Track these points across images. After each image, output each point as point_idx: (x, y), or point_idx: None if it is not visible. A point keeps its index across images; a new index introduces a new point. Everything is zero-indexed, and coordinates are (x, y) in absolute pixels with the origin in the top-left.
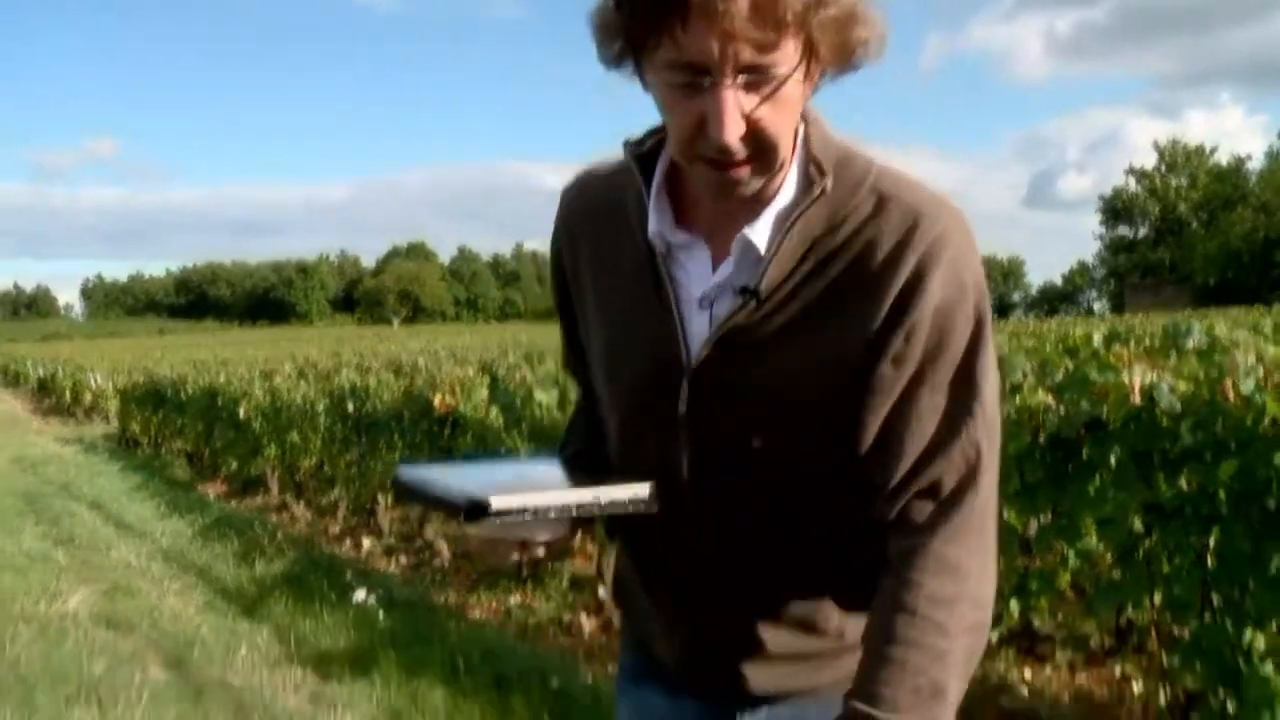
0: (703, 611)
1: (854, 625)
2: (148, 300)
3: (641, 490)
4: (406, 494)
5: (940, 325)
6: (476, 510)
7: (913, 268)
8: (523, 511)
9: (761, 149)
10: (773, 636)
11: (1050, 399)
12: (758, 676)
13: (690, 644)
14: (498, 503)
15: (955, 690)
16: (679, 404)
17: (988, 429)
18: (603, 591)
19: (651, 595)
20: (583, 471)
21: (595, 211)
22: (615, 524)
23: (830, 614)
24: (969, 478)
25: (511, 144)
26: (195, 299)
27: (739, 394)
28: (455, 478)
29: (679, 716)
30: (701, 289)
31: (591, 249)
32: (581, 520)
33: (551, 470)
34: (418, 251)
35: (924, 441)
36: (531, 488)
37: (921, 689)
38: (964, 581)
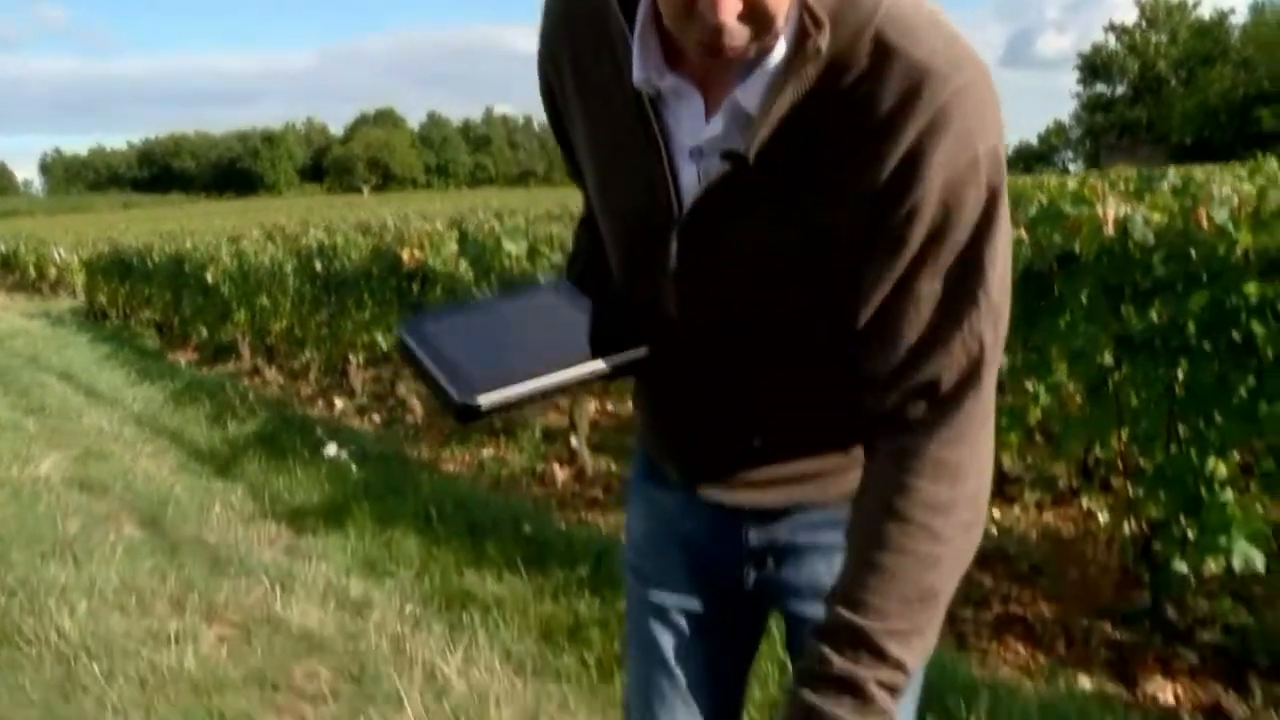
0: (702, 443)
1: (859, 446)
2: (110, 174)
3: (636, 354)
4: (408, 358)
5: (945, 203)
6: (468, 414)
7: (913, 139)
8: (514, 402)
9: (758, 23)
10: (773, 466)
11: (1023, 232)
12: (761, 498)
13: (692, 470)
14: (488, 402)
15: (948, 591)
16: (669, 257)
17: (993, 319)
18: (575, 441)
19: (656, 420)
20: (591, 294)
21: (579, 34)
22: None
23: (832, 440)
24: (970, 374)
25: (483, 7)
26: (159, 172)
27: (727, 254)
28: (455, 349)
29: (689, 515)
30: (694, 138)
31: (576, 74)
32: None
33: (557, 317)
34: (386, 118)
35: (922, 331)
36: (529, 359)
37: (910, 597)
38: (963, 484)
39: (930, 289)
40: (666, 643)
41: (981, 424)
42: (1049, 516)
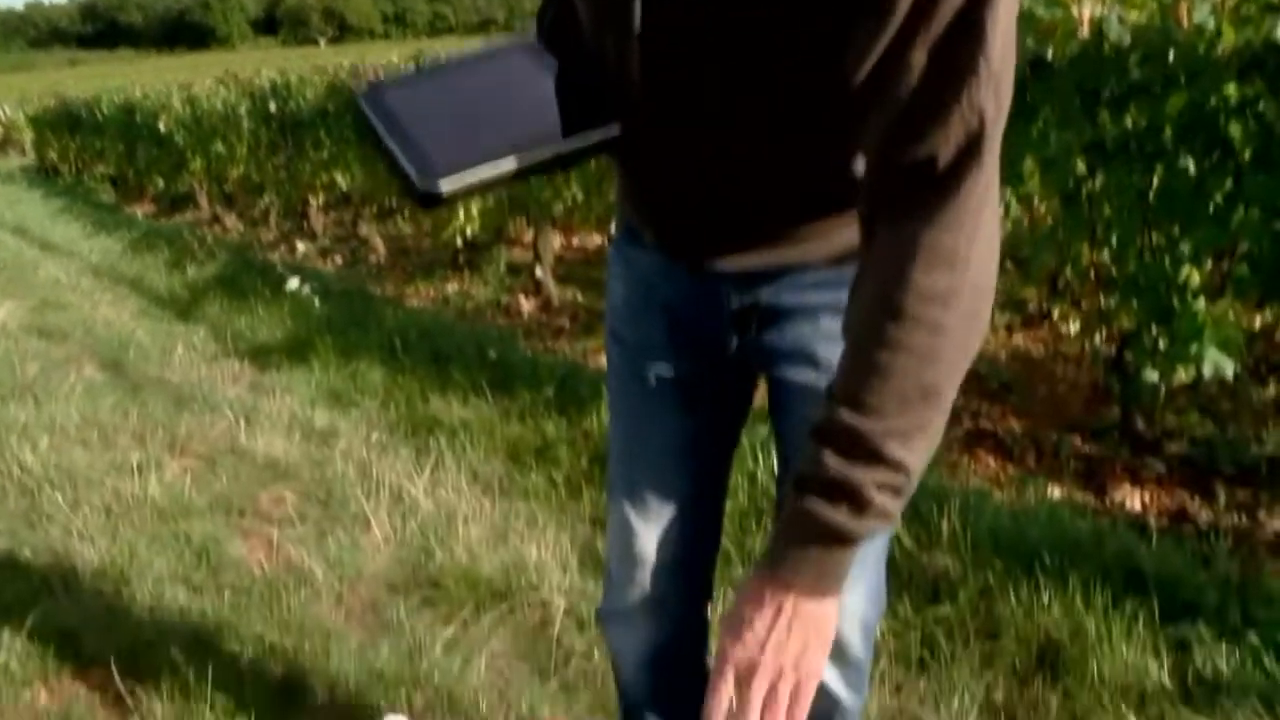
0: (677, 210)
1: (843, 208)
2: (51, 30)
3: (606, 132)
4: (366, 132)
5: None
6: (429, 200)
7: None
8: (478, 186)
9: None
10: (752, 232)
11: None
12: (741, 262)
13: (669, 236)
14: (449, 187)
15: (951, 387)
16: (633, 17)
17: (995, 89)
18: (539, 272)
19: (631, 184)
20: (562, 52)
21: None
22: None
23: (814, 205)
24: (970, 151)
25: None
26: (104, 27)
27: (692, 12)
28: (416, 123)
29: (669, 278)
30: None
31: None
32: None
33: (526, 84)
34: None
35: (915, 103)
36: (495, 135)
37: (909, 394)
38: (963, 273)
39: (923, 55)
40: (648, 410)
41: (983, 207)
42: (1019, 339)
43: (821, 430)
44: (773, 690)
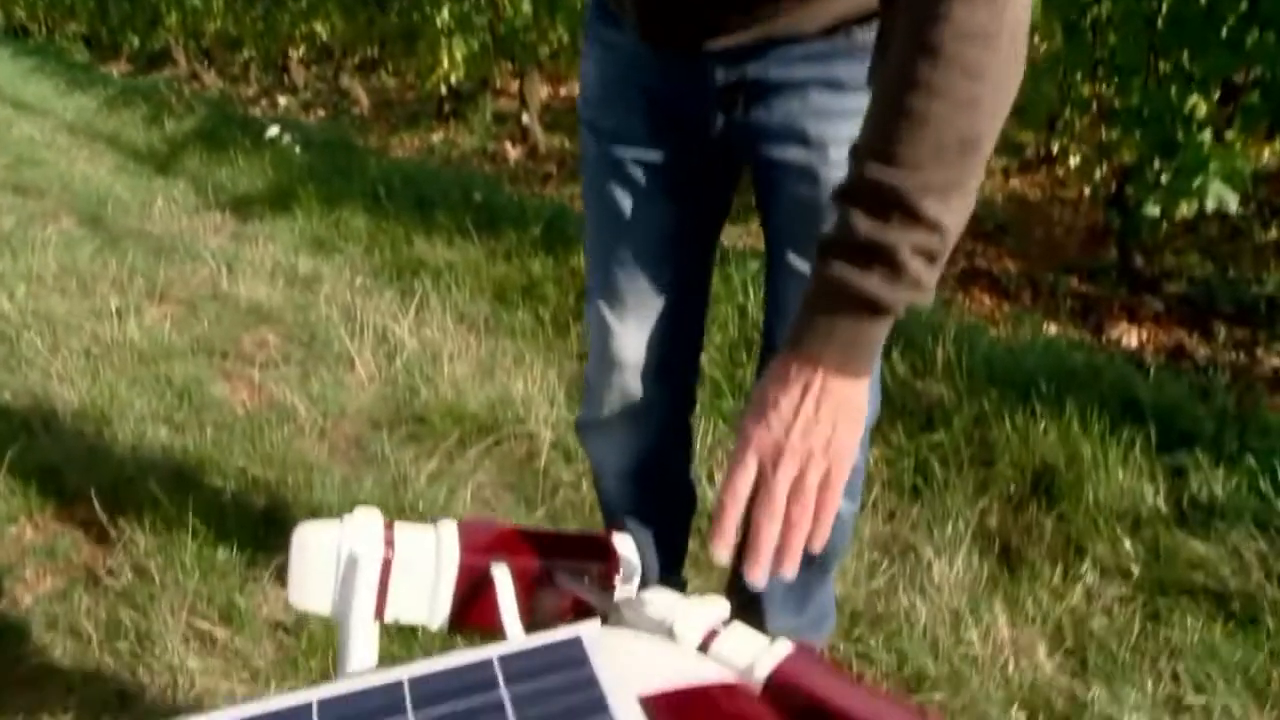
0: None
1: None
2: None
3: None
4: None
5: None
6: None
7: None
8: None
9: None
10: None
11: None
12: (727, 39)
13: (650, 14)
14: None
15: (989, 141)
16: None
17: None
18: (526, 119)
19: None
20: None
21: None
22: None
23: None
24: None
25: None
26: None
27: None
28: None
29: (650, 57)
30: None
31: None
32: None
33: None
34: None
35: None
36: None
37: (946, 145)
38: (1002, 11)
39: None
40: (626, 202)
41: None
42: (1016, 183)
43: (848, 190)
44: (800, 477)
